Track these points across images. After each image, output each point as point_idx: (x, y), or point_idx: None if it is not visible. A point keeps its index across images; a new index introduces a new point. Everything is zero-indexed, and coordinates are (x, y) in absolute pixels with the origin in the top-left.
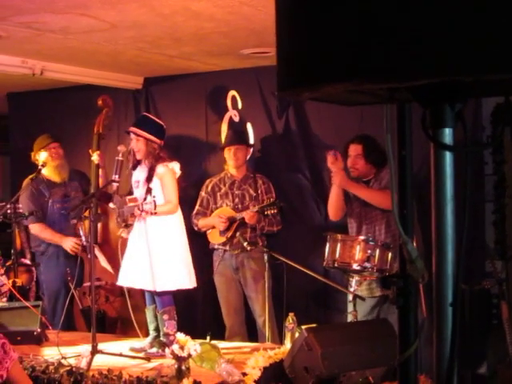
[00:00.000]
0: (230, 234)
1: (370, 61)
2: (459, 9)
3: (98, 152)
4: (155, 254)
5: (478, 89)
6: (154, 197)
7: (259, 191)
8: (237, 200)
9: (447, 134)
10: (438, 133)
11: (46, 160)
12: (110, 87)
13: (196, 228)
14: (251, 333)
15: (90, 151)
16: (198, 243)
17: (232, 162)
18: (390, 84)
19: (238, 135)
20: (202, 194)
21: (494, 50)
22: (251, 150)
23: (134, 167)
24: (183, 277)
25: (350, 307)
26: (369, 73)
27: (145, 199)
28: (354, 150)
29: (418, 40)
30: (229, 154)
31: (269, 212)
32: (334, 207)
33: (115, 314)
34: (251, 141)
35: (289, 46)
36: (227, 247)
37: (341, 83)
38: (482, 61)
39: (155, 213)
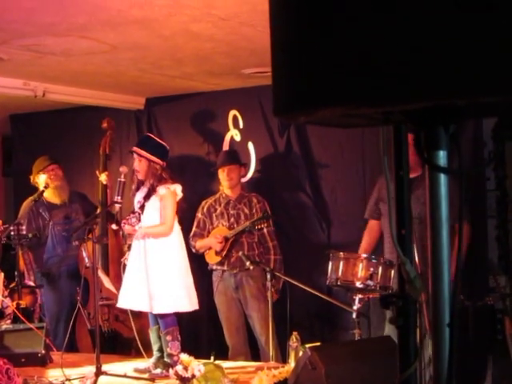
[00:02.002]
0: (224, 252)
1: (364, 85)
2: (451, 33)
3: (106, 173)
4: (153, 276)
5: (471, 110)
6: (139, 211)
7: (254, 210)
8: (232, 219)
9: (441, 156)
10: (433, 155)
11: (46, 182)
12: (112, 108)
13: (194, 250)
14: (254, 352)
15: (97, 172)
16: (200, 264)
17: (226, 182)
18: (384, 108)
19: (230, 155)
20: (198, 215)
21: (487, 72)
22: (248, 168)
23: (138, 188)
24: (181, 299)
25: (355, 325)
26: (363, 97)
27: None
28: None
29: (410, 64)
30: (222, 174)
31: (260, 226)
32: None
33: (132, 334)
34: (252, 160)
35: (284, 71)
36: (225, 267)
37: (336, 108)
38: (474, 84)
39: (139, 227)
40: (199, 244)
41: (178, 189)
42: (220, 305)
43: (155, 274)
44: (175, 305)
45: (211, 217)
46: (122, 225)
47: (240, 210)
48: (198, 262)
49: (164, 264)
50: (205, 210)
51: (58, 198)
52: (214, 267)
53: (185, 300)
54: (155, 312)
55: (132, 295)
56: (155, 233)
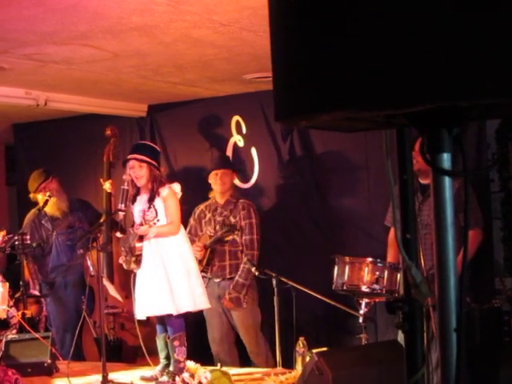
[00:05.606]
0: (204, 261)
1: (365, 89)
2: (452, 34)
3: (111, 181)
4: (174, 277)
5: (475, 112)
6: (153, 205)
7: (238, 218)
8: (218, 227)
9: (445, 159)
10: (437, 158)
11: (45, 199)
12: (115, 115)
13: None
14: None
15: (102, 180)
16: None
17: (218, 186)
18: (387, 111)
19: (224, 159)
20: (191, 221)
21: (489, 74)
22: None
23: (134, 199)
24: (200, 296)
25: (361, 330)
26: (365, 101)
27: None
28: (417, 143)
29: (413, 66)
30: (215, 178)
31: (228, 238)
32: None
33: (137, 342)
34: (255, 165)
35: (284, 76)
36: (209, 275)
37: (337, 112)
38: (477, 85)
39: (158, 220)
40: None
41: (177, 188)
42: (204, 312)
43: (176, 275)
44: (195, 303)
45: (201, 223)
46: (135, 228)
47: (226, 217)
48: None
49: (182, 263)
50: (196, 215)
51: (57, 211)
52: (202, 274)
53: (203, 297)
54: (181, 311)
55: (153, 302)
56: (165, 232)
